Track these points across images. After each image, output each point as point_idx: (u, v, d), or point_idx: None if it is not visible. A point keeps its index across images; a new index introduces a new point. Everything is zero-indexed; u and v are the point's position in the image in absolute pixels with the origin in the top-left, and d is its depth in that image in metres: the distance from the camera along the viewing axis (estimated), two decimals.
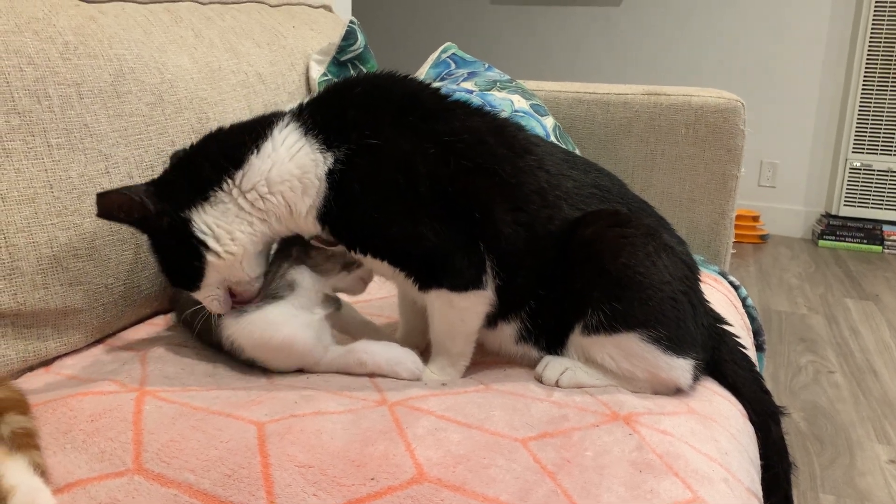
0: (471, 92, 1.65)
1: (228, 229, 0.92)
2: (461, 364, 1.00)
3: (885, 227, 4.06)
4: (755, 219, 4.21)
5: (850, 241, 4.09)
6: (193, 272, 0.93)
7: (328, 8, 1.94)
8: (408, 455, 0.76)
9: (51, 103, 1.00)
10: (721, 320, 1.09)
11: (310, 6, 1.83)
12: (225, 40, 1.39)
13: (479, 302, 0.97)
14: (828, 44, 4.14)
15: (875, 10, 3.95)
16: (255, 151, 0.92)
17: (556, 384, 0.96)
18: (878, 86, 4.02)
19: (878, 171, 4.09)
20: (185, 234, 0.91)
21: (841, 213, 4.15)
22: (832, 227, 4.12)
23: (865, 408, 2.21)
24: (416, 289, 0.96)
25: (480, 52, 4.59)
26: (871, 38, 3.98)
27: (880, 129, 4.05)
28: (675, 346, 0.94)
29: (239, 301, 0.96)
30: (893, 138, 4.05)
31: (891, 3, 3.93)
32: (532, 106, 1.64)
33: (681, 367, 0.96)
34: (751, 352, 1.18)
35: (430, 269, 0.94)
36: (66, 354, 1.03)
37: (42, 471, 0.73)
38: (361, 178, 0.91)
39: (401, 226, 0.92)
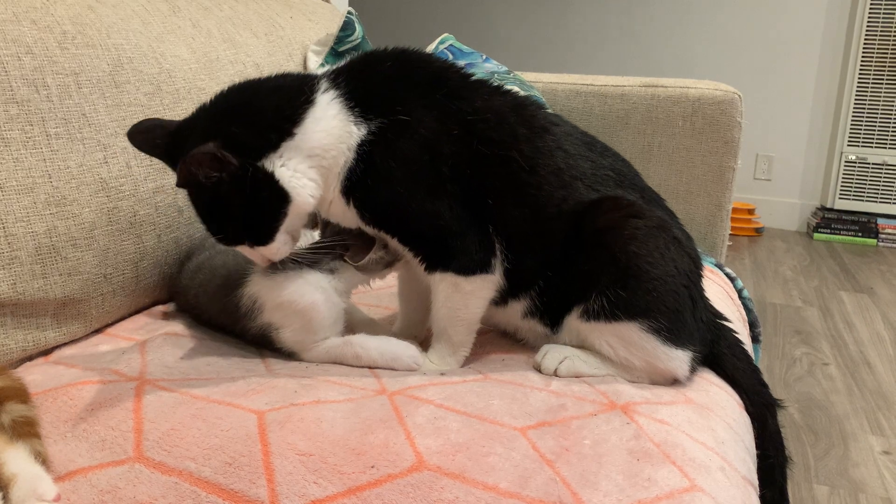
0: None
1: (303, 176, 0.92)
2: (461, 354, 1.01)
3: (880, 220, 4.08)
4: (751, 212, 4.22)
5: (845, 234, 4.11)
6: (272, 221, 0.91)
7: None
8: (407, 443, 0.76)
9: (49, 93, 1.00)
10: (720, 316, 1.10)
11: None
12: (223, 30, 1.38)
13: (484, 286, 0.97)
14: (824, 37, 4.15)
15: (871, 4, 3.95)
16: (307, 114, 0.92)
17: (555, 373, 0.96)
18: (873, 79, 4.03)
19: (873, 164, 4.10)
20: (268, 184, 0.90)
21: (836, 206, 4.17)
22: (827, 220, 4.14)
23: (859, 399, 2.22)
24: (423, 269, 0.97)
25: (478, 43, 4.58)
26: (866, 31, 3.99)
27: (875, 122, 4.07)
28: (674, 337, 0.95)
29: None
30: (888, 131, 4.06)
31: None
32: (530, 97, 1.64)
33: (679, 358, 0.96)
34: (747, 343, 1.19)
35: (440, 250, 0.95)
36: (65, 344, 1.03)
37: (43, 459, 0.73)
38: (390, 152, 0.92)
39: (420, 203, 0.92)
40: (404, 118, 0.92)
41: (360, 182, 0.92)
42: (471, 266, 0.95)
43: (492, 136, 0.94)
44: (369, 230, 0.97)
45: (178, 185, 0.90)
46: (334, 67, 0.98)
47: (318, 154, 0.93)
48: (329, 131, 0.92)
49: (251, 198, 0.90)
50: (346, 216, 0.96)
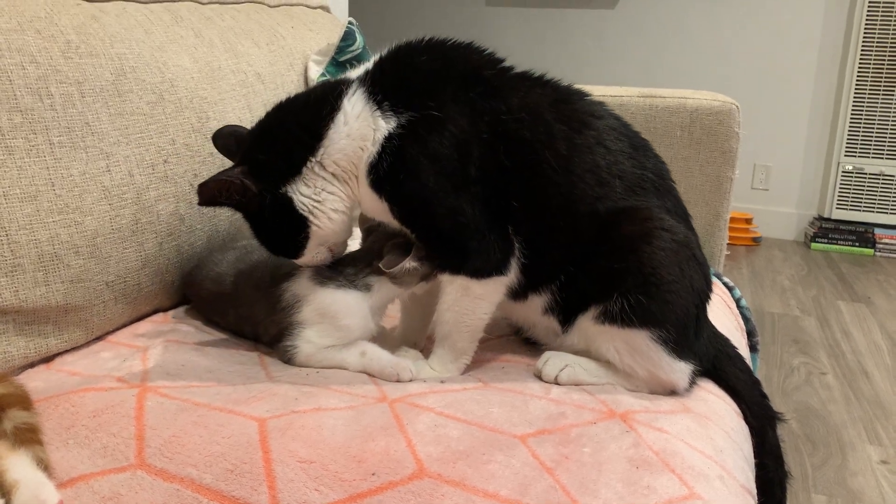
0: None
1: (324, 200, 0.95)
2: (462, 361, 1.01)
3: (877, 230, 4.08)
4: (748, 221, 4.23)
5: (843, 244, 4.12)
6: (297, 242, 0.97)
7: (326, 8, 1.94)
8: (408, 451, 0.77)
9: (53, 101, 1.01)
10: (721, 335, 1.11)
11: (308, 7, 1.84)
12: (224, 40, 1.39)
13: (495, 290, 0.98)
14: (821, 48, 4.17)
15: (867, 15, 3.98)
16: (332, 124, 0.94)
17: (555, 380, 0.97)
18: (870, 89, 4.05)
19: (870, 174, 4.12)
20: (288, 210, 0.95)
21: (833, 216, 4.18)
22: (824, 229, 4.15)
23: (857, 409, 2.23)
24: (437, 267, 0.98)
25: None
26: (863, 42, 4.01)
27: (872, 132, 4.08)
28: (678, 349, 0.96)
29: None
30: (885, 142, 4.08)
31: (883, 7, 3.96)
32: None
33: (681, 371, 0.97)
34: (744, 352, 1.19)
35: (457, 249, 0.95)
36: (67, 351, 1.04)
37: (45, 466, 0.73)
38: (419, 146, 0.92)
39: (444, 200, 0.93)
40: (436, 114, 0.92)
41: (387, 175, 0.93)
42: (486, 268, 0.95)
43: (525, 136, 0.94)
44: (397, 225, 0.98)
45: (200, 203, 0.96)
46: (368, 66, 0.99)
47: (341, 162, 0.95)
48: (351, 133, 0.94)
49: (273, 221, 0.96)
50: (378, 210, 0.97)
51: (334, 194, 0.96)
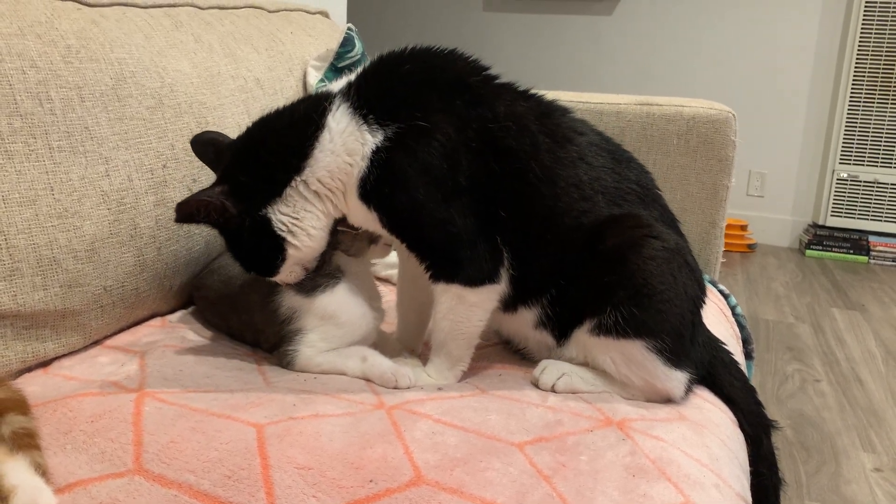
0: None
1: (303, 224, 0.95)
2: (459, 368, 1.02)
3: (872, 238, 4.10)
4: (743, 228, 4.24)
5: (837, 251, 4.13)
6: (273, 262, 0.97)
7: (325, 14, 1.95)
8: (406, 458, 0.77)
9: (52, 106, 1.01)
10: (716, 340, 1.11)
11: (307, 12, 1.84)
12: (224, 45, 1.40)
13: (489, 298, 0.98)
14: (816, 56, 4.19)
15: (863, 23, 4.00)
16: (317, 143, 0.94)
17: (552, 389, 0.97)
18: (865, 97, 4.07)
19: (864, 181, 4.14)
20: (265, 231, 0.95)
21: (828, 224, 4.20)
22: (819, 236, 4.16)
23: (851, 416, 2.24)
24: (428, 278, 0.98)
25: None
26: (858, 50, 4.03)
27: (867, 140, 4.10)
28: (674, 358, 0.96)
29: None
30: (880, 149, 4.10)
31: (878, 16, 3.99)
32: None
33: (676, 379, 0.98)
34: (739, 359, 1.20)
35: (449, 259, 0.95)
36: (64, 356, 1.04)
37: (43, 471, 0.73)
38: (408, 158, 0.92)
39: (434, 211, 0.92)
40: (423, 124, 0.92)
41: (377, 187, 0.93)
42: (479, 276, 0.95)
43: (511, 146, 0.94)
44: (386, 234, 0.98)
45: (176, 221, 0.95)
46: (351, 79, 0.98)
47: (325, 179, 0.94)
48: (336, 150, 0.93)
49: (250, 240, 0.96)
50: (367, 220, 0.97)
51: (313, 213, 0.95)
